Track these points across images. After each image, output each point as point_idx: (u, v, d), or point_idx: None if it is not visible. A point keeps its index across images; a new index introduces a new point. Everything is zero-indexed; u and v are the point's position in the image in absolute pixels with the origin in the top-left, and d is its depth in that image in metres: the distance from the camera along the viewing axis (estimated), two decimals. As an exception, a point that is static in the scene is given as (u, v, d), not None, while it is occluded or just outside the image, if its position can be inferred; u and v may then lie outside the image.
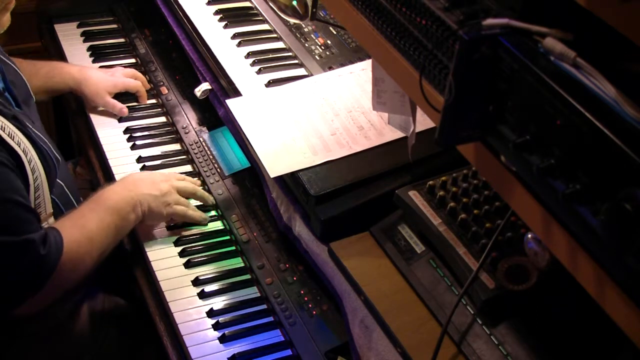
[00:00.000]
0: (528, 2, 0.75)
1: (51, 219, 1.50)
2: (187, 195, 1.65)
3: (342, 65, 1.73)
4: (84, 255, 1.43)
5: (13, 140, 1.36)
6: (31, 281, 1.37)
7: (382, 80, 1.23)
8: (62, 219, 1.47)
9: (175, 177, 1.67)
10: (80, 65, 1.98)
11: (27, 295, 1.39)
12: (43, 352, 1.53)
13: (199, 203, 1.69)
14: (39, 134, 1.50)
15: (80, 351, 1.58)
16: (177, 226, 1.65)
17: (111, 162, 1.80)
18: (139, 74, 2.02)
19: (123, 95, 1.99)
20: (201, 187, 1.70)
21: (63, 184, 1.57)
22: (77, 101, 1.99)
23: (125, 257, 1.64)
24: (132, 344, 1.69)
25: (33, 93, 1.69)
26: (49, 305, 1.44)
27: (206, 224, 1.65)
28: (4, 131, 1.35)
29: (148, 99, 2.02)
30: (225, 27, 1.93)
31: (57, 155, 1.55)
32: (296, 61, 1.82)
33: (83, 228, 1.44)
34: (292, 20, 1.83)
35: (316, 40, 1.85)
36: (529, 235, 1.15)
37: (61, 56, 2.12)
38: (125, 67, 2.10)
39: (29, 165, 1.39)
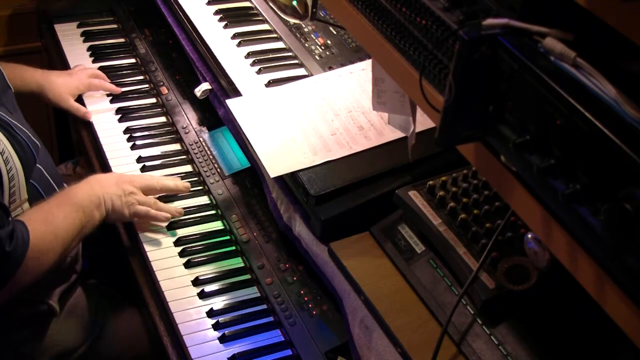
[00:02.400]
0: (528, 2, 0.75)
1: (26, 205, 1.51)
2: (153, 192, 1.67)
3: (342, 65, 1.73)
4: (48, 251, 1.43)
5: None
6: None
7: (382, 80, 1.23)
8: (30, 212, 1.47)
9: (140, 177, 1.68)
10: (42, 70, 1.96)
11: None
12: (34, 336, 1.54)
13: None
14: (16, 122, 1.50)
15: (71, 340, 1.59)
16: (178, 226, 1.65)
17: (111, 162, 1.80)
18: (100, 72, 2.01)
19: (123, 94, 2.00)
20: (172, 182, 1.71)
21: (42, 169, 1.57)
22: (78, 101, 1.98)
23: (123, 252, 1.64)
24: (133, 344, 1.69)
25: None
26: (11, 298, 1.45)
27: (168, 220, 1.65)
28: None
29: (148, 98, 2.02)
30: (225, 27, 1.93)
31: (35, 141, 1.55)
32: (296, 61, 1.82)
33: (49, 223, 1.45)
34: (292, 20, 1.83)
35: (316, 40, 1.85)
36: (529, 235, 1.15)
37: (61, 56, 2.12)
38: (125, 67, 2.10)
39: (2, 156, 1.39)
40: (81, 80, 1.95)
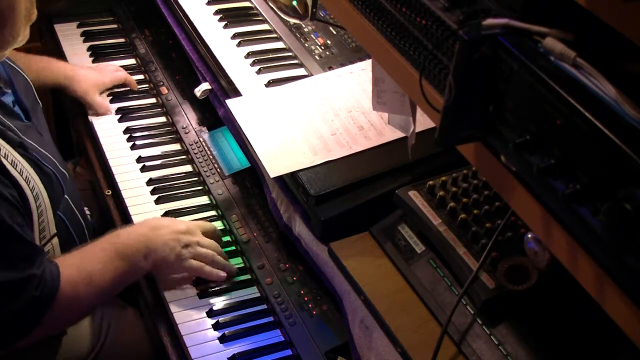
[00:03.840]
0: (528, 2, 0.75)
1: (55, 240, 1.48)
2: (209, 246, 1.54)
3: (342, 65, 1.73)
4: (80, 298, 1.38)
5: (16, 168, 1.33)
6: (24, 321, 1.33)
7: (382, 80, 1.23)
8: (67, 256, 1.41)
9: (201, 227, 1.56)
10: (71, 64, 2.00)
11: (18, 333, 1.35)
12: (43, 354, 1.53)
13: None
14: (46, 153, 1.48)
15: (81, 352, 1.58)
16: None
17: (111, 162, 1.80)
18: (121, 69, 2.04)
19: (123, 94, 2.00)
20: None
21: (69, 199, 1.56)
22: (78, 101, 1.99)
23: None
24: (133, 344, 1.68)
25: None
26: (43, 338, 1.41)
27: (230, 279, 1.53)
28: (7, 159, 1.32)
29: (148, 98, 2.02)
30: (225, 27, 1.93)
31: (62, 170, 1.53)
32: (296, 61, 1.82)
33: (84, 269, 1.38)
34: (292, 20, 1.83)
35: (316, 40, 1.85)
36: (529, 235, 1.15)
37: (61, 56, 2.11)
38: (125, 67, 2.10)
39: (32, 193, 1.37)
40: (107, 75, 1.98)
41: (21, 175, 1.35)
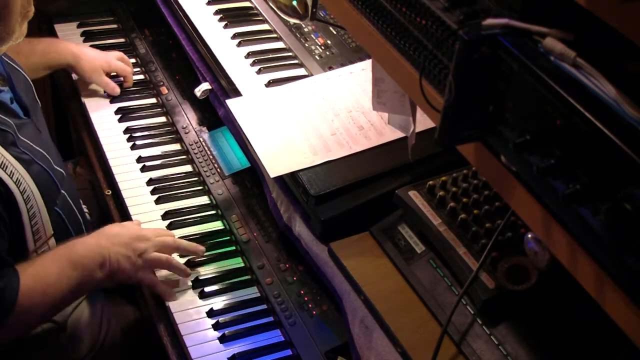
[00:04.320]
0: (528, 2, 0.75)
1: (52, 241, 1.48)
2: (169, 251, 1.53)
3: (342, 65, 1.73)
4: (35, 307, 1.37)
5: (5, 171, 1.33)
6: None
7: (382, 80, 1.23)
8: (27, 265, 1.39)
9: (155, 234, 1.53)
10: (75, 42, 2.02)
11: None
12: (42, 352, 1.53)
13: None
14: (41, 150, 1.47)
15: (80, 351, 1.59)
16: (178, 226, 1.65)
17: (111, 162, 1.80)
18: (126, 58, 2.06)
19: (123, 94, 2.00)
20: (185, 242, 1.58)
21: (66, 195, 1.55)
22: (78, 101, 1.99)
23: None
24: (132, 344, 1.69)
25: (31, 71, 1.70)
26: None
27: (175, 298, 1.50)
28: None
29: (148, 98, 2.02)
30: (225, 27, 1.93)
31: (58, 169, 1.52)
32: (296, 61, 1.82)
33: (39, 280, 1.37)
34: (292, 20, 1.83)
35: (316, 40, 1.85)
36: (529, 235, 1.15)
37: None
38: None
39: (22, 195, 1.36)
40: (111, 57, 1.99)
41: (11, 178, 1.34)
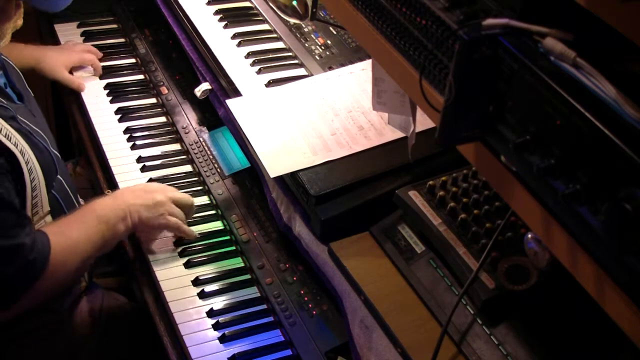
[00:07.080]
0: (528, 2, 0.75)
1: (48, 217, 1.50)
2: (184, 207, 1.60)
3: (342, 65, 1.73)
4: (66, 263, 1.43)
5: (10, 141, 1.36)
6: (16, 285, 1.38)
7: (382, 80, 1.23)
8: (49, 226, 1.47)
9: (171, 189, 1.63)
10: (36, 44, 2.03)
11: (10, 299, 1.40)
12: (42, 349, 1.53)
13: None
14: (39, 130, 1.50)
15: (79, 347, 1.59)
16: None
17: (111, 162, 1.80)
18: (92, 48, 2.08)
19: (123, 94, 2.00)
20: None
21: (63, 180, 1.57)
22: (78, 101, 1.99)
23: (125, 257, 1.64)
24: (132, 341, 1.69)
25: None
26: (27, 310, 1.45)
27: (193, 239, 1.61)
28: (0, 132, 1.35)
29: (148, 98, 2.02)
30: (225, 27, 1.93)
31: (56, 152, 1.55)
32: (296, 61, 1.82)
33: (68, 236, 1.44)
34: (292, 20, 1.83)
35: (316, 40, 1.85)
36: (529, 235, 1.15)
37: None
38: (125, 67, 2.10)
39: (27, 166, 1.39)
40: (74, 52, 2.03)
41: (16, 147, 1.37)
